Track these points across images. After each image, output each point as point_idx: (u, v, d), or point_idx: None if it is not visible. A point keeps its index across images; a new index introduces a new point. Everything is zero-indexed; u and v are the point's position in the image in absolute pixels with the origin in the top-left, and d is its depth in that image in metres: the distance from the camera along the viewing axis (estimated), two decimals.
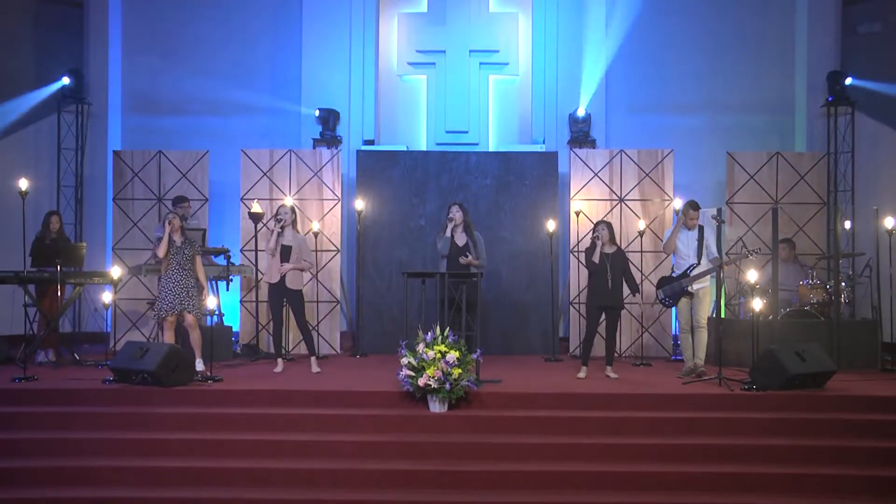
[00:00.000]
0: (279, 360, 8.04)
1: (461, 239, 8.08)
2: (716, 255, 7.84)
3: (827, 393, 6.83)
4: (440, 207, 9.47)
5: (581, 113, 10.49)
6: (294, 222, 8.06)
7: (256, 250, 9.29)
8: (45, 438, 6.19)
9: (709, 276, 7.85)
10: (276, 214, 7.99)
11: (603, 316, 7.82)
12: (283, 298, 7.99)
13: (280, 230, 7.86)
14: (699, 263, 7.75)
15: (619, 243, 8.18)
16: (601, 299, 7.72)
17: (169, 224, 7.55)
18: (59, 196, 10.71)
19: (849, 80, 10.25)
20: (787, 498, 5.67)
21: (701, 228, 7.83)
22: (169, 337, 7.60)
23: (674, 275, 7.93)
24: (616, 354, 9.35)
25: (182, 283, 7.58)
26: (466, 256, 7.97)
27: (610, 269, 7.67)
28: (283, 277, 7.84)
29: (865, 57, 10.72)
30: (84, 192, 11.00)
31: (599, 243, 7.71)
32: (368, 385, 7.01)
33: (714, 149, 10.58)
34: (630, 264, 8.03)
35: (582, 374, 7.75)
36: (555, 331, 9.64)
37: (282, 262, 7.85)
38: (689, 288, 7.74)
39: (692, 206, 7.88)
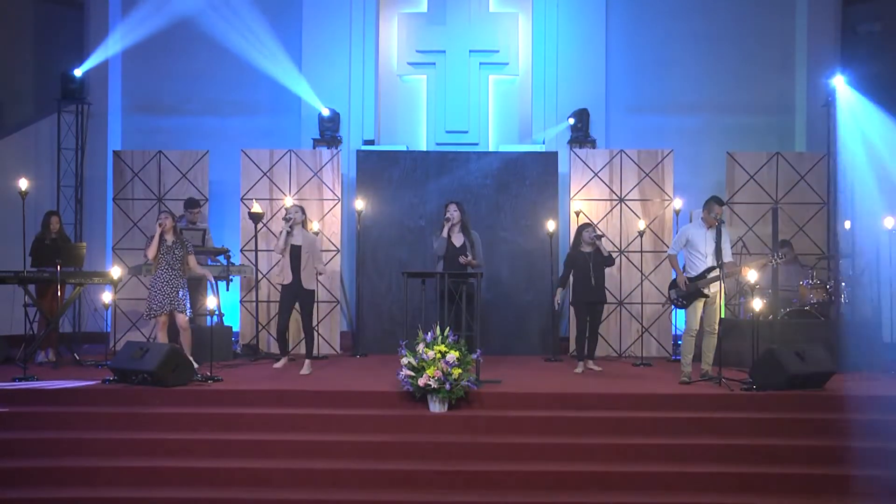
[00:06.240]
0: (284, 358, 8.11)
1: (458, 239, 8.08)
2: (731, 257, 7.57)
3: (827, 393, 6.83)
4: (440, 207, 9.42)
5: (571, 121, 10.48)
6: (304, 222, 8.09)
7: (256, 250, 9.29)
8: (45, 438, 6.18)
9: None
10: (286, 214, 8.00)
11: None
12: (296, 299, 7.97)
13: (289, 230, 7.86)
14: (718, 264, 7.32)
15: (616, 244, 8.35)
16: (585, 295, 8.09)
17: (160, 225, 7.63)
18: (59, 196, 10.70)
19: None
20: (787, 498, 5.66)
21: (719, 228, 7.39)
22: (162, 337, 7.66)
23: (688, 275, 7.49)
24: (616, 354, 9.42)
25: (171, 282, 7.62)
26: (466, 256, 7.97)
27: (592, 267, 8.05)
28: (297, 278, 7.84)
29: (865, 57, 10.70)
30: (84, 192, 11.00)
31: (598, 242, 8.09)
32: (368, 385, 7.01)
33: (714, 149, 10.57)
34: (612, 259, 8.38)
35: (579, 370, 8.06)
36: (555, 331, 9.63)
37: (292, 262, 7.86)
38: (706, 289, 7.39)
39: (717, 201, 7.48)
